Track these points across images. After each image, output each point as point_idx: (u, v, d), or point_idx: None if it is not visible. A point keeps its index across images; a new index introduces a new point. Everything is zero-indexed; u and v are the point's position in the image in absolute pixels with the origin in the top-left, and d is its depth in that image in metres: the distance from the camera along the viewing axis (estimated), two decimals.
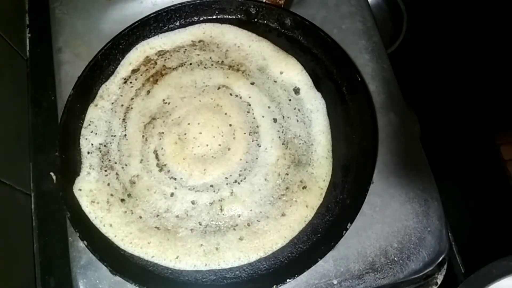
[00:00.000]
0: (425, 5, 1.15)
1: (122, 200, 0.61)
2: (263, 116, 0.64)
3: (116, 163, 0.63)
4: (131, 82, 0.68)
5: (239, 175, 0.61)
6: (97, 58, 0.67)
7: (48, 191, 0.75)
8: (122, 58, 0.69)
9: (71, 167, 0.63)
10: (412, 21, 1.07)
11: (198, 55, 0.69)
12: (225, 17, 0.73)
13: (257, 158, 0.62)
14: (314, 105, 0.66)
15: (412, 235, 0.60)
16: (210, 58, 0.69)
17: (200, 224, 0.59)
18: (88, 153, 0.64)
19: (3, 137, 0.71)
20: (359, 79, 0.65)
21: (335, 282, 0.58)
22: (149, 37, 0.71)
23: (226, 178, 0.61)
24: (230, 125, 0.64)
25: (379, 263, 0.59)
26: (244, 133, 0.63)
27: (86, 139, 0.64)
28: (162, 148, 0.63)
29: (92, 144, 0.64)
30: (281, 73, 0.68)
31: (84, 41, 0.72)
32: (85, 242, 0.57)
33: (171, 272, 0.58)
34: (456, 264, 0.69)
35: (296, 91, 0.67)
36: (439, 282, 0.63)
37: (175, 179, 0.61)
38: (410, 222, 0.61)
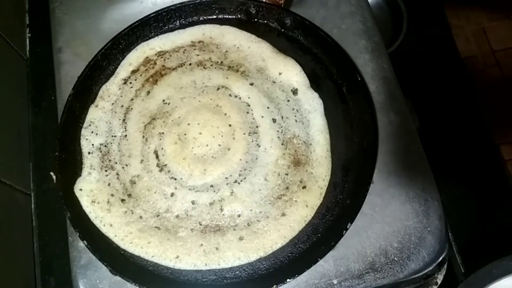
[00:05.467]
0: (425, 5, 1.15)
1: (123, 200, 0.61)
2: (262, 117, 0.64)
3: (116, 163, 0.63)
4: (130, 83, 0.68)
5: (239, 175, 0.61)
6: (97, 58, 0.67)
7: (48, 191, 0.75)
8: (122, 58, 0.69)
9: (71, 167, 0.63)
10: (412, 21, 1.07)
11: (198, 55, 0.69)
12: (225, 17, 0.73)
13: (257, 158, 0.62)
14: (312, 105, 0.66)
15: (412, 235, 0.60)
16: (210, 58, 0.69)
17: (200, 224, 0.59)
18: (89, 153, 0.64)
19: (3, 137, 0.71)
20: (359, 79, 0.65)
21: (335, 282, 0.58)
22: (149, 37, 0.71)
23: (226, 178, 0.61)
24: (230, 125, 0.64)
25: (379, 263, 0.59)
26: (244, 133, 0.63)
27: (87, 139, 0.64)
28: (162, 148, 0.63)
29: (92, 145, 0.64)
30: (280, 74, 0.68)
31: (84, 41, 0.72)
32: (85, 242, 0.57)
33: (171, 272, 0.58)
34: (456, 264, 0.68)
35: (294, 92, 0.67)
36: (439, 282, 0.63)
37: (175, 179, 0.62)
38: (410, 222, 0.61)
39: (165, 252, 0.58)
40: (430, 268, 0.61)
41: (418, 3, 1.12)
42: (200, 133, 0.63)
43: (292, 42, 0.71)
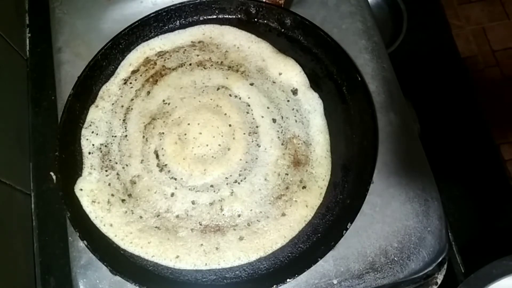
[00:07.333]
0: (425, 5, 1.15)
1: (123, 200, 0.61)
2: (262, 117, 0.64)
3: (117, 163, 0.63)
4: (131, 83, 0.68)
5: (239, 175, 0.62)
6: (97, 58, 0.67)
7: (48, 191, 0.75)
8: (122, 58, 0.70)
9: (71, 167, 0.63)
10: (412, 21, 1.07)
11: (198, 55, 0.69)
12: (225, 16, 0.73)
13: (256, 158, 0.62)
14: (312, 105, 0.66)
15: (412, 235, 0.60)
16: (210, 58, 0.69)
17: (200, 224, 0.60)
18: (89, 153, 0.64)
19: (3, 137, 0.71)
20: (359, 78, 0.65)
21: (335, 282, 0.58)
22: (149, 37, 0.71)
23: (226, 178, 0.61)
24: (230, 125, 0.64)
25: (379, 263, 0.59)
26: (244, 133, 0.63)
27: (87, 139, 0.64)
28: (162, 148, 0.63)
29: (93, 145, 0.64)
30: (280, 74, 0.68)
31: (84, 41, 0.72)
32: (85, 242, 0.57)
33: (171, 271, 0.58)
34: (456, 264, 0.69)
35: (294, 92, 0.67)
36: (439, 282, 0.63)
37: (175, 179, 0.62)
38: (410, 222, 0.61)
39: (165, 252, 0.58)
40: (430, 268, 0.61)
41: (418, 3, 1.12)
42: (200, 133, 0.63)
43: (292, 42, 0.71)
